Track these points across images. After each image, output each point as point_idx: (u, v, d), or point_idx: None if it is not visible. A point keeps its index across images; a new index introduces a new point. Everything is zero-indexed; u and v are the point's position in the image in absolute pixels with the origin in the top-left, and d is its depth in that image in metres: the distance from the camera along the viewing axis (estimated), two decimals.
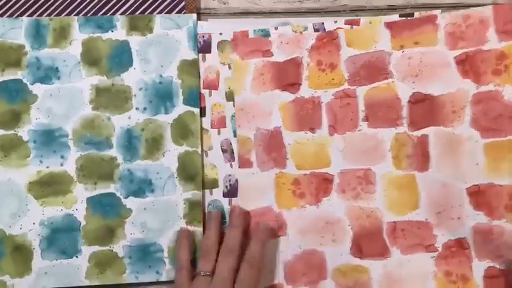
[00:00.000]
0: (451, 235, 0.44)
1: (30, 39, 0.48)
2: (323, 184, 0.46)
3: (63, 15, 0.49)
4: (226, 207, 0.48)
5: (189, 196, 0.47)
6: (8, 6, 0.49)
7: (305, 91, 0.47)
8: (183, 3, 0.49)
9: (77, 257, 0.47)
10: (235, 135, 0.48)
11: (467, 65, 0.45)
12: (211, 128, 0.48)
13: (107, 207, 0.47)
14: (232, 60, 0.47)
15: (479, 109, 0.45)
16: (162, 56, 0.48)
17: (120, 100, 0.48)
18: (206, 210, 0.48)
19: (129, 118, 0.48)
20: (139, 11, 0.49)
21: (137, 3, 0.49)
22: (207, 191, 0.48)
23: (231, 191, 0.48)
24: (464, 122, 0.45)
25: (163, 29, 0.48)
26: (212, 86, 0.49)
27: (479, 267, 0.44)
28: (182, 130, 0.48)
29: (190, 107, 0.48)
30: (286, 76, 0.47)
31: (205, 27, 0.49)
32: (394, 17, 0.47)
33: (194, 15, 0.48)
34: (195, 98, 0.48)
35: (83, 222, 0.47)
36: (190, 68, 0.48)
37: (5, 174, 0.47)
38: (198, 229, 0.47)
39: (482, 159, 0.44)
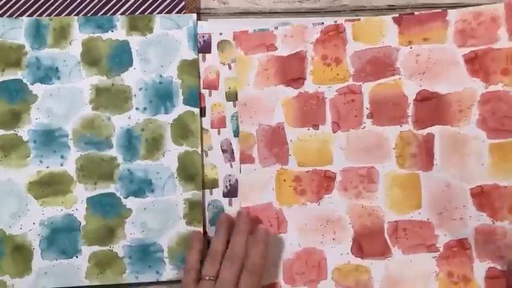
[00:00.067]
0: (452, 235, 0.44)
1: (30, 39, 0.48)
2: (325, 182, 0.46)
3: (63, 15, 0.49)
4: (226, 207, 0.48)
5: (189, 196, 0.47)
6: (8, 6, 0.49)
7: (309, 86, 0.46)
8: (183, 3, 0.49)
9: (77, 257, 0.47)
10: (235, 135, 0.48)
11: (477, 64, 0.45)
12: (211, 128, 0.48)
13: (107, 207, 0.47)
14: (236, 55, 0.47)
15: (487, 109, 0.44)
16: (162, 56, 0.48)
17: (120, 100, 0.48)
18: (206, 210, 0.48)
19: (129, 118, 0.48)
20: (139, 11, 0.49)
21: (137, 3, 0.49)
22: (207, 191, 0.48)
23: (231, 191, 0.48)
24: (471, 121, 0.44)
25: (163, 29, 0.48)
26: (212, 86, 0.49)
27: (480, 268, 0.43)
28: (182, 130, 0.48)
29: (190, 107, 0.48)
30: (290, 70, 0.46)
31: (205, 27, 0.49)
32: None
33: (194, 15, 0.48)
34: (195, 98, 0.48)
35: (83, 222, 0.47)
36: (190, 68, 0.48)
37: (5, 174, 0.47)
38: (198, 229, 0.47)
39: (488, 159, 0.44)
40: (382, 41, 0.46)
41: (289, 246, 0.45)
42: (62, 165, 0.47)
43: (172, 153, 0.48)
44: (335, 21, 0.47)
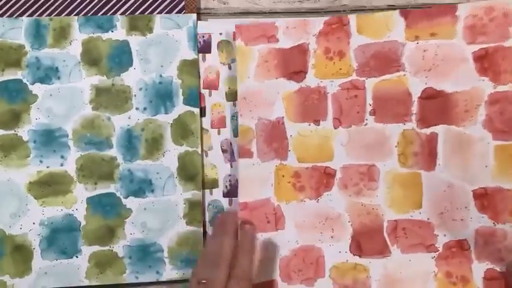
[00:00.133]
0: (452, 236, 0.43)
1: (30, 39, 0.48)
2: (324, 178, 0.45)
3: (63, 15, 0.49)
4: (227, 207, 0.48)
5: (189, 196, 0.47)
6: (8, 6, 0.49)
7: (311, 80, 0.45)
8: (183, 3, 0.49)
9: (77, 257, 0.47)
10: (235, 135, 0.48)
11: (486, 62, 0.43)
12: (211, 128, 0.48)
13: (107, 207, 0.47)
14: (237, 46, 0.46)
15: (494, 110, 0.43)
16: (162, 56, 0.48)
17: (120, 100, 0.48)
18: (206, 210, 0.48)
19: (129, 118, 0.48)
20: (139, 11, 0.49)
21: (137, 3, 0.49)
22: (207, 191, 0.48)
23: (231, 191, 0.48)
24: (476, 122, 0.43)
25: (163, 29, 0.48)
26: (212, 86, 0.49)
27: (478, 269, 0.43)
28: (182, 130, 0.48)
29: (190, 107, 0.48)
30: (292, 63, 0.45)
31: (205, 27, 0.49)
32: None
33: (194, 15, 0.48)
34: (195, 98, 0.48)
35: (83, 222, 0.47)
36: (190, 68, 0.48)
37: (5, 174, 0.47)
38: (198, 229, 0.47)
39: (492, 161, 0.43)
40: (387, 35, 0.44)
41: (286, 243, 0.45)
42: (62, 165, 0.47)
43: (172, 153, 0.48)
44: None
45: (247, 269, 0.40)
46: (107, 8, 0.49)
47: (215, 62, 0.49)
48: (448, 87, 0.44)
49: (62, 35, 0.48)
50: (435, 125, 0.44)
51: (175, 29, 0.48)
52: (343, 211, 0.45)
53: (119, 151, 0.48)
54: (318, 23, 0.45)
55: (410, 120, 0.44)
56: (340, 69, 0.45)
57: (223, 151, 0.48)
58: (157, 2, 0.49)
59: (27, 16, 0.48)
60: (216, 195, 0.48)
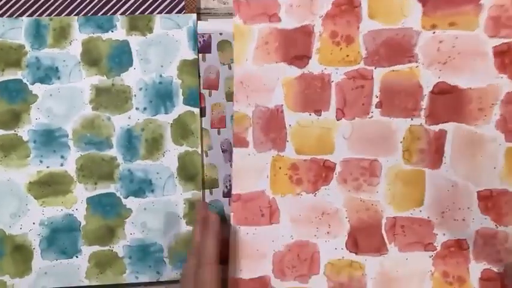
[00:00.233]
0: (451, 235, 0.42)
1: (30, 39, 0.48)
2: (323, 172, 0.43)
3: (63, 15, 0.49)
4: (227, 207, 0.48)
5: (189, 196, 0.47)
6: (8, 6, 0.49)
7: (314, 66, 0.42)
8: (183, 3, 0.49)
9: (77, 257, 0.47)
10: None
11: (507, 58, 0.40)
12: (211, 128, 0.48)
13: (107, 207, 0.47)
14: (234, 24, 0.42)
15: (509, 110, 0.40)
16: (162, 56, 0.48)
17: (120, 100, 0.48)
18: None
19: (129, 118, 0.48)
20: (139, 11, 0.49)
21: (137, 3, 0.49)
22: (207, 191, 0.48)
23: (231, 191, 0.48)
24: (490, 121, 0.41)
25: (163, 29, 0.48)
26: (212, 86, 0.49)
27: (475, 269, 0.42)
28: (182, 130, 0.48)
29: (190, 107, 0.48)
30: (294, 47, 0.42)
31: (205, 27, 0.49)
32: None
33: (194, 15, 0.48)
34: (195, 98, 0.48)
35: (83, 222, 0.47)
36: (190, 68, 0.48)
37: (5, 174, 0.47)
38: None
39: (502, 163, 0.41)
40: (402, 22, 0.41)
41: (280, 237, 0.43)
42: (62, 165, 0.47)
43: (172, 153, 0.48)
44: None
45: (211, 253, 0.39)
46: (107, 8, 0.49)
47: (215, 62, 0.49)
48: (463, 83, 0.41)
49: (62, 35, 0.48)
50: (445, 122, 0.41)
51: (175, 29, 0.48)
52: (341, 206, 0.43)
53: (119, 151, 0.48)
54: (325, 3, 0.42)
55: (419, 116, 0.42)
56: (347, 56, 0.42)
57: (223, 151, 0.48)
58: (157, 2, 0.49)
59: (27, 16, 0.48)
60: (216, 195, 0.48)
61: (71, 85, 0.48)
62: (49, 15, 0.49)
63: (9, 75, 0.47)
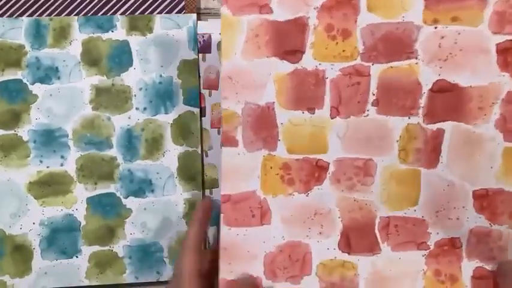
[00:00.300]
0: (445, 234, 0.42)
1: (30, 39, 0.48)
2: (316, 171, 0.41)
3: (63, 15, 0.49)
4: None
5: (189, 196, 0.47)
6: (8, 6, 0.49)
7: (308, 62, 0.40)
8: (183, 3, 0.49)
9: (77, 257, 0.47)
10: None
11: (510, 56, 0.39)
12: (211, 128, 0.48)
13: (107, 207, 0.47)
14: (222, 15, 0.40)
15: (509, 109, 0.39)
16: (162, 56, 0.48)
17: (120, 100, 0.48)
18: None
19: (129, 118, 0.48)
20: (139, 11, 0.49)
21: (137, 3, 0.49)
22: (207, 191, 0.48)
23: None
24: (489, 121, 0.40)
25: (163, 29, 0.48)
26: (212, 86, 0.49)
27: (468, 267, 0.41)
28: (182, 130, 0.48)
29: (190, 107, 0.48)
30: (287, 40, 0.40)
31: (205, 27, 0.49)
32: None
33: (194, 15, 0.48)
34: (195, 98, 0.48)
35: (83, 222, 0.47)
36: (190, 68, 0.48)
37: (5, 174, 0.47)
38: None
39: (499, 163, 0.40)
40: (402, 16, 0.39)
41: (272, 238, 0.41)
42: (62, 165, 0.47)
43: (172, 153, 0.48)
44: None
45: (191, 240, 0.40)
46: (107, 8, 0.49)
47: (215, 62, 0.49)
48: (464, 81, 0.39)
49: (62, 35, 0.48)
50: (443, 120, 0.40)
51: (175, 29, 0.48)
52: (334, 206, 0.42)
53: (119, 151, 0.48)
54: None
55: (417, 114, 0.40)
56: (344, 51, 0.40)
57: None
58: (157, 2, 0.49)
59: (27, 16, 0.48)
60: (216, 195, 0.48)
61: (71, 85, 0.48)
62: (49, 15, 0.49)
63: (9, 75, 0.47)
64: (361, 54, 0.40)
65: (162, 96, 0.48)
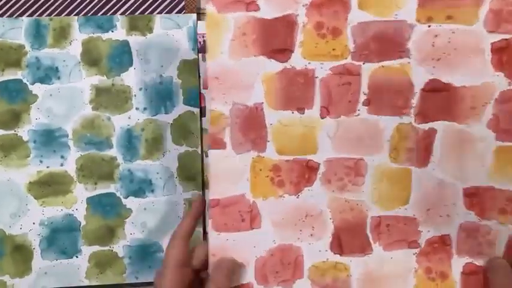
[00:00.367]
0: (436, 231, 0.42)
1: (30, 39, 0.48)
2: (306, 172, 0.40)
3: (63, 15, 0.49)
4: None
5: (189, 196, 0.47)
6: (8, 6, 0.49)
7: (297, 61, 0.39)
8: (183, 3, 0.49)
9: (77, 257, 0.47)
10: None
11: (505, 55, 0.38)
12: None
13: (107, 207, 0.47)
14: (207, 12, 0.38)
15: (503, 109, 0.38)
16: (162, 56, 0.48)
17: (120, 100, 0.48)
18: (206, 210, 0.48)
19: (129, 118, 0.48)
20: (139, 11, 0.49)
21: (137, 3, 0.49)
22: (207, 191, 0.48)
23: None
24: (481, 121, 0.39)
25: (163, 29, 0.48)
26: None
27: (457, 263, 0.41)
28: (182, 130, 0.48)
29: (190, 107, 0.48)
30: (275, 39, 0.39)
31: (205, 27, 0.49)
32: None
33: (194, 15, 0.48)
34: (195, 98, 0.48)
35: (83, 222, 0.47)
36: (190, 68, 0.48)
37: (5, 174, 0.47)
38: (198, 229, 0.47)
39: (491, 162, 0.40)
40: (395, 14, 0.38)
41: (262, 242, 0.40)
42: (62, 165, 0.47)
43: (172, 153, 0.48)
44: None
45: (181, 229, 0.39)
46: (107, 8, 0.49)
47: None
48: (457, 81, 0.39)
49: (62, 35, 0.48)
50: (435, 120, 0.40)
51: (175, 29, 0.48)
52: (325, 207, 0.41)
53: (119, 151, 0.48)
54: None
55: (408, 114, 0.40)
56: (334, 49, 0.39)
57: None
58: (157, 2, 0.49)
59: (27, 16, 0.48)
60: None
61: (71, 85, 0.48)
62: (49, 15, 0.49)
63: (9, 75, 0.47)
64: (352, 53, 0.39)
65: (162, 96, 0.48)
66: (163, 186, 0.48)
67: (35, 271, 0.47)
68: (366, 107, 0.40)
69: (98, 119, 0.48)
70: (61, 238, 0.47)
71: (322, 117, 0.40)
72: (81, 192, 0.47)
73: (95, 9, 0.49)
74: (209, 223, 0.40)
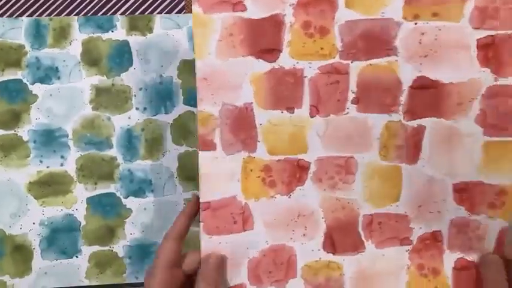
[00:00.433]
0: (427, 228, 0.42)
1: (30, 39, 0.48)
2: (297, 172, 0.40)
3: (63, 15, 0.49)
4: None
5: (189, 196, 0.47)
6: (8, 6, 0.49)
7: (285, 60, 0.39)
8: (183, 3, 0.49)
9: (77, 257, 0.47)
10: None
11: (491, 51, 0.38)
12: None
13: (107, 207, 0.47)
14: (193, 13, 0.38)
15: (490, 104, 0.39)
16: (162, 56, 0.48)
17: (120, 100, 0.48)
18: None
19: (129, 118, 0.48)
20: (139, 11, 0.49)
21: (137, 3, 0.49)
22: None
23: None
24: (468, 116, 0.39)
25: (163, 29, 0.48)
26: None
27: (449, 259, 0.42)
28: (182, 130, 0.48)
29: (190, 107, 0.48)
30: (263, 39, 0.39)
31: None
32: None
33: None
34: (195, 98, 0.48)
35: (83, 222, 0.47)
36: (190, 68, 0.48)
37: (5, 174, 0.47)
38: (198, 229, 0.47)
39: (479, 157, 0.40)
40: (382, 12, 0.39)
41: (255, 244, 0.40)
42: (62, 165, 0.47)
43: (172, 153, 0.48)
44: None
45: (175, 229, 0.39)
46: (107, 8, 0.49)
47: None
48: (444, 77, 0.39)
49: (62, 35, 0.48)
50: (423, 117, 0.40)
51: (175, 29, 0.48)
52: (317, 207, 0.41)
53: (119, 151, 0.48)
54: None
55: (397, 111, 0.40)
56: (322, 48, 0.39)
57: None
58: (157, 2, 0.49)
59: (27, 16, 0.48)
60: None
61: (71, 85, 0.48)
62: (49, 15, 0.49)
63: (9, 75, 0.47)
64: (339, 52, 0.39)
65: (162, 96, 0.48)
66: (163, 186, 0.48)
67: (35, 271, 0.47)
68: (355, 106, 0.40)
69: (98, 119, 0.48)
70: (61, 238, 0.47)
71: (311, 116, 0.40)
72: (81, 192, 0.47)
73: (95, 9, 0.49)
74: (200, 227, 0.40)
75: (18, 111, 0.47)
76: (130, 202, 0.47)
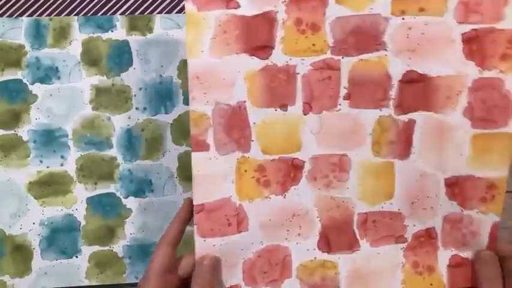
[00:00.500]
0: (421, 225, 0.42)
1: (30, 39, 0.48)
2: (292, 171, 0.40)
3: (63, 15, 0.49)
4: None
5: (189, 196, 0.47)
6: (8, 6, 0.49)
7: (278, 57, 0.39)
8: (183, 3, 0.49)
9: (77, 257, 0.47)
10: None
11: (475, 45, 0.39)
12: None
13: (107, 207, 0.47)
14: (187, 10, 0.38)
15: (476, 97, 0.39)
16: (162, 56, 0.48)
17: (120, 100, 0.48)
18: None
19: (129, 118, 0.48)
20: (139, 11, 0.49)
21: (137, 3, 0.49)
22: None
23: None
24: (456, 109, 0.40)
25: (163, 29, 0.48)
26: None
27: (444, 256, 0.41)
28: (182, 130, 0.48)
29: None
30: (256, 36, 0.39)
31: None
32: None
33: None
34: None
35: (83, 222, 0.47)
36: None
37: (5, 174, 0.47)
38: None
39: (468, 150, 0.40)
40: (370, 7, 0.39)
41: (249, 245, 0.40)
42: (62, 165, 0.47)
43: (172, 153, 0.48)
44: None
45: (168, 234, 0.39)
46: (106, 8, 0.49)
47: None
48: (432, 71, 0.39)
49: (62, 35, 0.48)
50: (414, 111, 0.40)
51: (175, 29, 0.48)
52: (312, 206, 0.41)
53: (119, 151, 0.48)
54: None
55: (388, 106, 0.40)
56: (314, 45, 0.39)
57: None
58: (157, 2, 0.49)
59: (27, 16, 0.48)
60: None
61: (71, 85, 0.48)
62: (49, 15, 0.49)
63: (9, 75, 0.47)
64: (331, 48, 0.39)
65: (162, 96, 0.48)
66: (163, 186, 0.48)
67: (35, 271, 0.47)
68: (347, 101, 0.40)
69: (98, 119, 0.48)
70: (61, 238, 0.47)
71: (305, 114, 0.40)
72: (81, 192, 0.47)
73: (95, 9, 0.49)
74: (194, 229, 0.39)
75: (18, 111, 0.47)
76: (130, 202, 0.47)
